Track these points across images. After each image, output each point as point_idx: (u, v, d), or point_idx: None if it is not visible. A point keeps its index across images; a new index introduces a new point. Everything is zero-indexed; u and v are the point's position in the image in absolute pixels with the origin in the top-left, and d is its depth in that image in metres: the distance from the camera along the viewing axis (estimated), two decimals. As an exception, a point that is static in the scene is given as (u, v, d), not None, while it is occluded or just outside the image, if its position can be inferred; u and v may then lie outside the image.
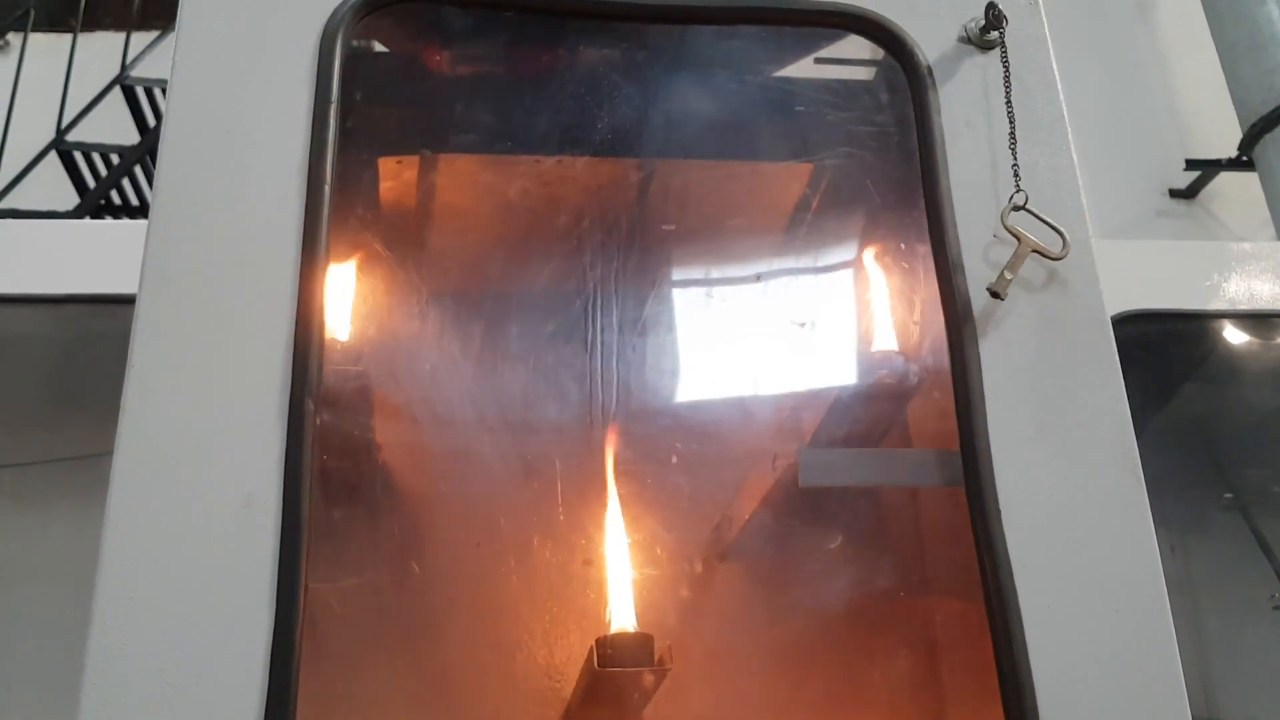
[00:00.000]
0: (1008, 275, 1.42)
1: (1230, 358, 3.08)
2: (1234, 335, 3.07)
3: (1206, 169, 5.95)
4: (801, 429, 1.83)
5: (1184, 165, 6.04)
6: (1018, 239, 1.45)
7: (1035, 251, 1.45)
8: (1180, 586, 2.92)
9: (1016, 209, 1.48)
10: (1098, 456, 1.38)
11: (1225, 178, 5.94)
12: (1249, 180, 5.26)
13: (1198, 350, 3.11)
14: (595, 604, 1.62)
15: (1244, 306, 2.99)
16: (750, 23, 1.73)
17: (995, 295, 1.41)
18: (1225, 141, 5.56)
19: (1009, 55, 1.58)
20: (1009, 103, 1.55)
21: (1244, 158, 5.21)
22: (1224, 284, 3.01)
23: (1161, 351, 3.04)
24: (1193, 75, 6.19)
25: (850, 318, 1.87)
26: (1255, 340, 3.06)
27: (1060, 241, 1.47)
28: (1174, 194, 6.08)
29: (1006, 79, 1.56)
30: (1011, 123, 1.54)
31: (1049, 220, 1.48)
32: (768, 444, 1.81)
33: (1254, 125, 4.86)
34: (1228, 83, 5.10)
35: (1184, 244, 4.84)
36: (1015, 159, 1.51)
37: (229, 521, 1.22)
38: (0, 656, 2.94)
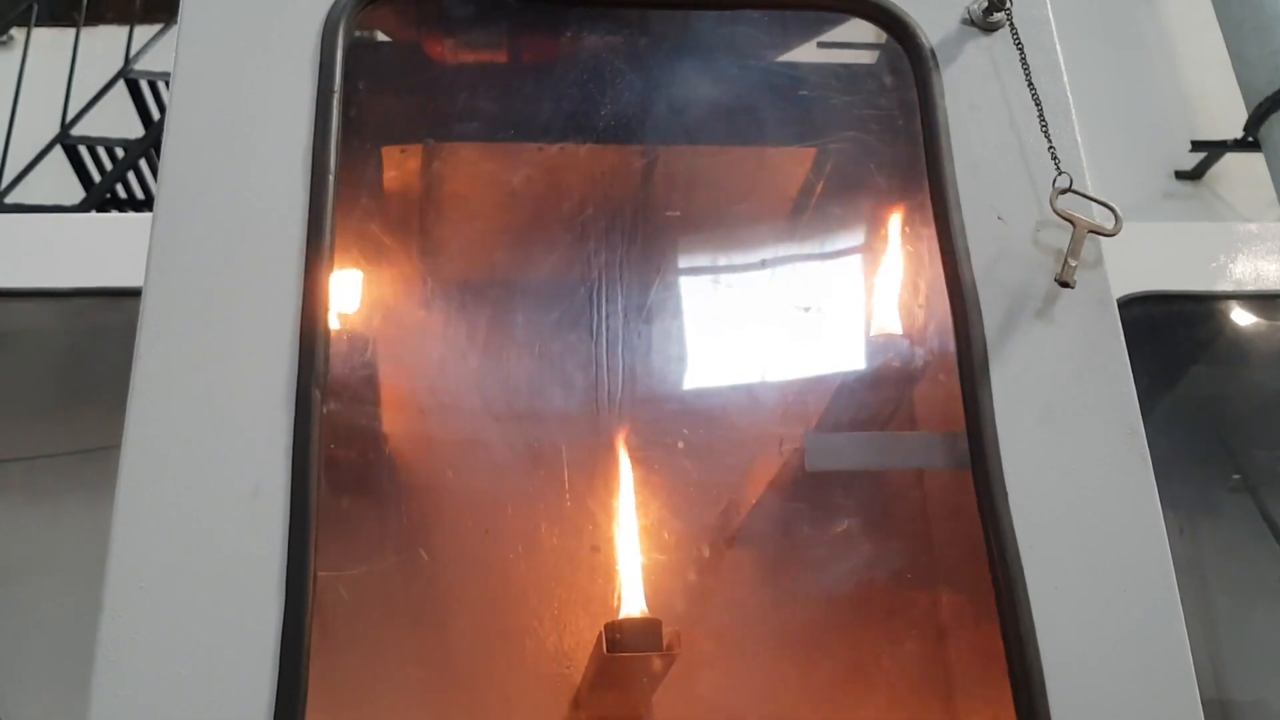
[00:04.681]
0: (1072, 262, 1.40)
1: (1237, 339, 3.07)
2: (1241, 316, 3.06)
3: (1212, 150, 5.93)
4: (807, 413, 1.83)
5: (1190, 147, 6.02)
6: (1072, 222, 1.43)
7: (1092, 231, 1.43)
8: (1189, 567, 2.91)
9: (1062, 192, 1.47)
10: (1105, 438, 1.37)
11: (1231, 159, 5.92)
12: (1255, 161, 5.25)
13: (1205, 332, 3.10)
14: (604, 589, 1.62)
15: (1250, 287, 2.98)
16: (752, 7, 1.73)
17: (1065, 285, 1.39)
18: (1231, 123, 5.55)
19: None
20: (1030, 84, 1.53)
21: (1250, 138, 5.19)
22: (1230, 265, 3.00)
23: (1169, 333, 3.03)
24: (1198, 56, 6.16)
25: (855, 302, 1.87)
26: (1262, 321, 3.05)
27: (1113, 217, 1.45)
28: (1180, 176, 6.06)
29: (1023, 61, 1.55)
30: (1038, 105, 1.52)
31: (1098, 197, 1.46)
32: (774, 428, 1.81)
33: (1260, 106, 4.84)
34: (1233, 63, 5.08)
35: (1190, 225, 4.82)
36: (1050, 141, 1.50)
37: (237, 511, 1.22)
38: (13, 649, 2.95)
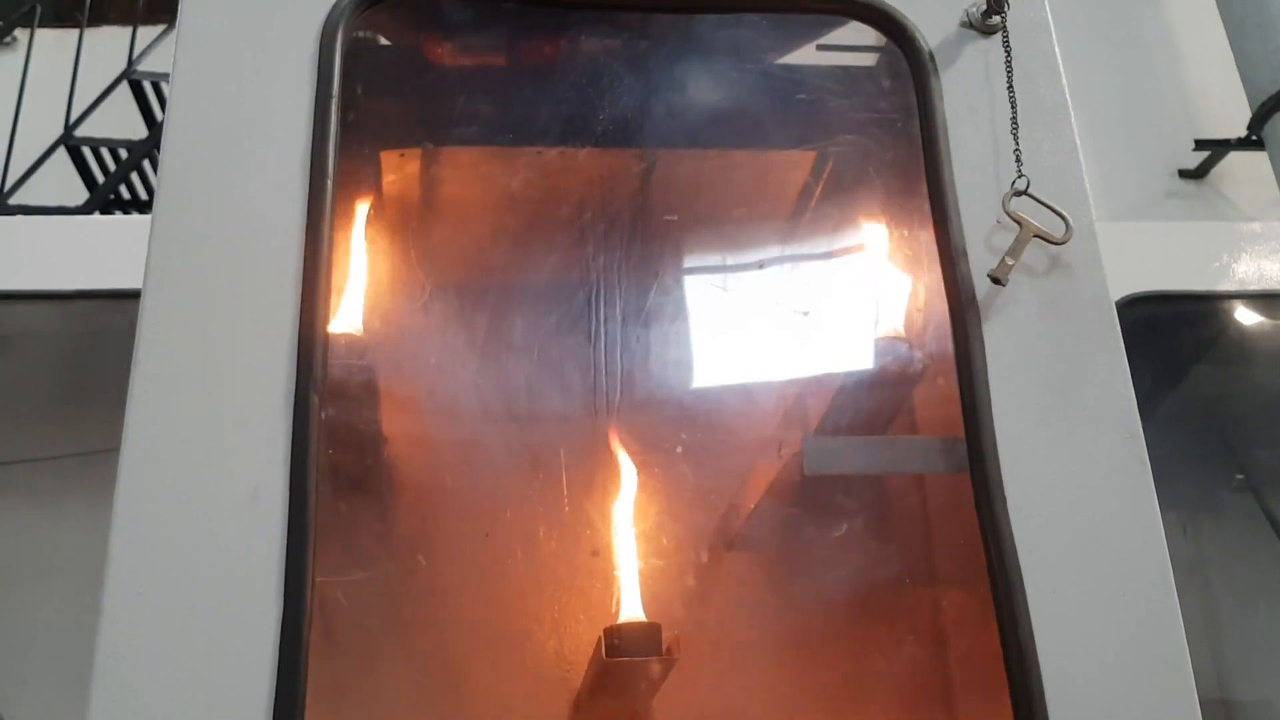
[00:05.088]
0: (1009, 261, 1.41)
1: (1241, 338, 3.07)
2: (1244, 316, 3.06)
3: (1215, 149, 5.91)
4: (806, 417, 1.83)
5: (1193, 146, 6.00)
6: (1020, 224, 1.44)
7: (1038, 236, 1.44)
8: (1192, 568, 2.92)
9: (1018, 194, 1.47)
10: (1103, 441, 1.37)
11: (1234, 158, 5.90)
12: (1259, 160, 5.21)
13: (1208, 331, 3.10)
14: (603, 594, 1.62)
15: (1254, 287, 2.98)
16: (751, 10, 1.74)
17: (996, 281, 1.41)
18: (1234, 121, 5.52)
19: (1011, 39, 1.57)
20: (1010, 88, 1.54)
21: (1253, 137, 5.16)
22: (1234, 264, 3.01)
23: (1172, 333, 3.03)
24: (1200, 54, 6.14)
25: (854, 305, 1.87)
26: (1266, 320, 3.05)
27: (1063, 226, 1.46)
28: (1183, 174, 6.04)
29: (1008, 64, 1.56)
30: (1013, 108, 1.53)
31: (1051, 205, 1.47)
32: (773, 432, 1.81)
33: (1263, 104, 4.80)
34: (1236, 61, 5.05)
35: (1193, 225, 4.82)
36: (1017, 144, 1.51)
37: (236, 515, 1.22)
38: (15, 651, 2.96)
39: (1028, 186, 1.47)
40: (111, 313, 2.88)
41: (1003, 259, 1.41)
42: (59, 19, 7.02)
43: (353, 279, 1.66)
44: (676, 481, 1.74)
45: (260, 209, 1.38)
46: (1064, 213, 1.46)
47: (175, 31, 1.49)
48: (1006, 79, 1.55)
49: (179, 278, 1.33)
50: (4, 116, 5.93)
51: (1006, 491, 1.33)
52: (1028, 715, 1.23)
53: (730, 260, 1.99)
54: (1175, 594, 1.31)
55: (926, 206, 1.51)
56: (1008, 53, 1.56)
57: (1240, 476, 3.10)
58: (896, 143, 1.74)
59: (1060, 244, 1.45)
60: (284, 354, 1.30)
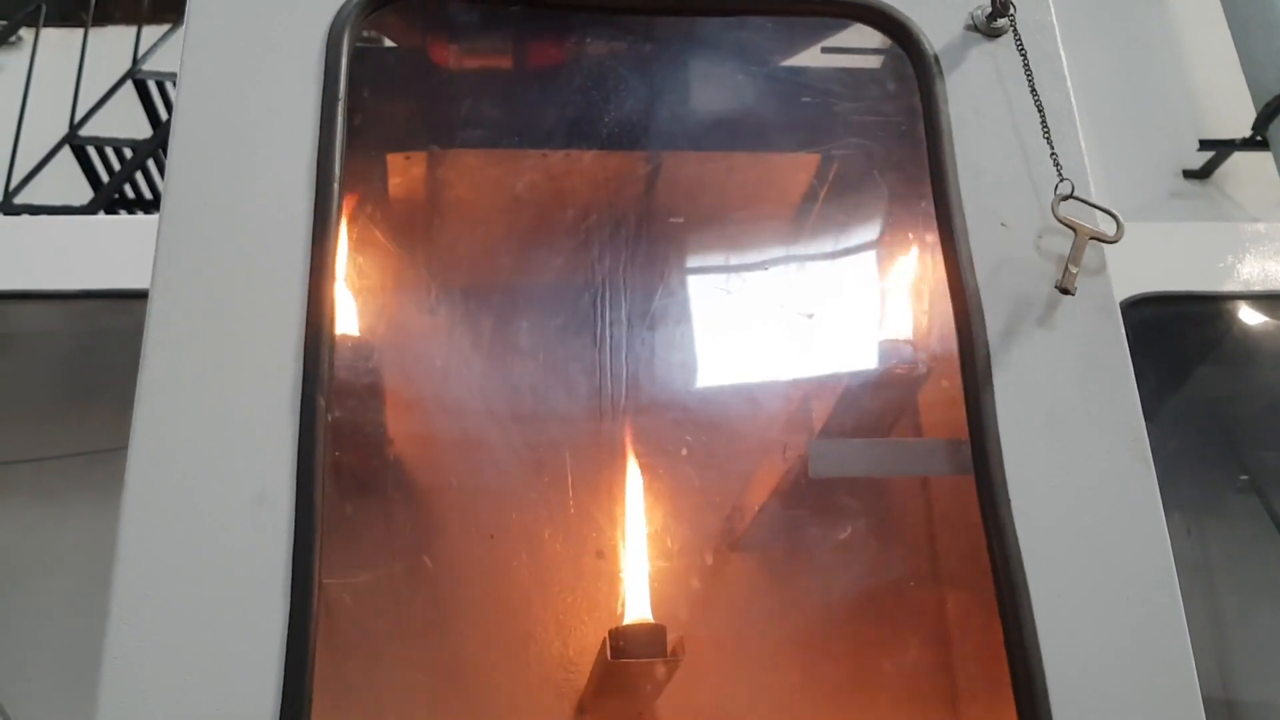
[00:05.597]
0: (1073, 269, 1.40)
1: (1245, 339, 3.06)
2: (1249, 316, 3.05)
3: (1220, 149, 5.90)
4: (811, 419, 1.83)
5: (1197, 146, 6.00)
6: (1074, 229, 1.43)
7: (1094, 238, 1.43)
8: (1196, 568, 2.91)
9: (1064, 198, 1.47)
10: (1107, 443, 1.37)
11: (1239, 158, 5.89)
12: (1264, 160, 5.21)
13: (1212, 332, 3.09)
14: (608, 596, 1.62)
15: (1258, 287, 2.98)
16: (756, 13, 1.73)
17: (1065, 291, 1.40)
18: (1239, 121, 5.52)
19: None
20: (1033, 90, 1.54)
21: (1258, 137, 5.16)
22: (1238, 265, 3.00)
23: (1176, 334, 3.03)
24: (1205, 55, 6.14)
25: (859, 307, 1.87)
26: (1270, 321, 3.05)
27: (1115, 224, 1.46)
28: (1188, 175, 6.04)
29: (1026, 67, 1.55)
30: (1041, 111, 1.53)
31: (1099, 204, 1.47)
32: (778, 435, 1.81)
33: (1268, 105, 4.80)
34: (1241, 62, 5.05)
35: (1198, 225, 4.81)
36: (1052, 148, 1.50)
37: (242, 517, 1.22)
38: (21, 649, 2.96)
39: (1073, 190, 1.47)
40: (117, 313, 2.88)
41: (1066, 268, 1.40)
42: (64, 18, 7.03)
43: (359, 281, 1.66)
44: (682, 483, 1.74)
45: (267, 210, 1.38)
46: (1113, 211, 1.46)
47: (181, 32, 1.49)
48: (1028, 82, 1.54)
49: (186, 279, 1.34)
50: (9, 116, 5.94)
51: (1011, 493, 1.33)
52: (1031, 716, 1.23)
53: (735, 262, 1.99)
54: (1179, 595, 1.31)
55: (931, 209, 1.51)
56: (1024, 56, 1.55)
57: (1245, 477, 3.10)
58: (902, 145, 1.74)
59: (1113, 242, 1.45)
60: (291, 355, 1.30)
